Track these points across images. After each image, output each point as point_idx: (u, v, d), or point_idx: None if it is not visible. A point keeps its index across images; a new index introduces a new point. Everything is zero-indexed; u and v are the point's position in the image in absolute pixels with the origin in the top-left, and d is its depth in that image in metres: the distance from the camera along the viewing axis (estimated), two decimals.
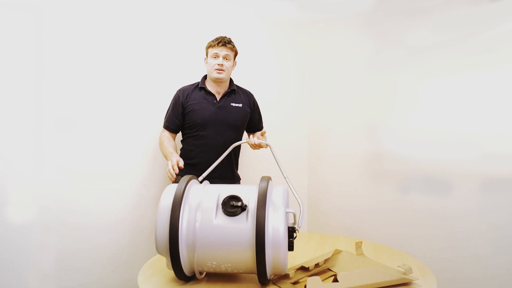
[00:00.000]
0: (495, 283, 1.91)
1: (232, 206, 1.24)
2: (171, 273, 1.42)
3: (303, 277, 1.32)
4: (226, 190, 1.30)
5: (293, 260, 1.52)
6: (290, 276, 1.31)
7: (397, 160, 2.28)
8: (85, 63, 1.98)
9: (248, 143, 1.88)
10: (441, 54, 2.07)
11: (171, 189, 1.30)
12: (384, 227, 2.34)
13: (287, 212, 1.25)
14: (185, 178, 1.33)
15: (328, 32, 2.64)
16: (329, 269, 1.41)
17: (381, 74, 2.35)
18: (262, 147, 1.89)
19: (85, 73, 1.98)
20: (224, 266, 1.25)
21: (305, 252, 1.61)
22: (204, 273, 1.38)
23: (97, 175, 2.03)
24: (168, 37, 2.24)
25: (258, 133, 2.10)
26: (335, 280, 1.24)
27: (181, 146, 2.11)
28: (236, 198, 1.24)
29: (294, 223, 1.29)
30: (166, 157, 1.94)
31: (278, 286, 1.29)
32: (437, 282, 1.32)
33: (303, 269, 1.38)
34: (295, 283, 1.30)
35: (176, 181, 1.79)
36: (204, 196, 1.29)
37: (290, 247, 1.31)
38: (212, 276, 1.37)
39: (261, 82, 2.56)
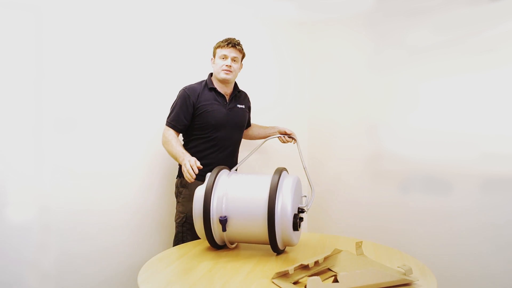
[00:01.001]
0: (494, 282, 1.91)
1: None
2: (171, 272, 1.42)
3: (303, 276, 1.32)
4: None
5: (293, 259, 1.52)
6: (290, 272, 1.32)
7: (397, 160, 2.28)
8: (85, 63, 1.97)
9: (280, 140, 2.11)
10: (441, 54, 2.07)
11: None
12: (384, 227, 2.35)
13: (302, 197, 1.65)
14: (217, 168, 1.65)
15: (328, 32, 2.64)
16: (329, 269, 1.42)
17: (381, 74, 2.35)
18: (289, 142, 2.11)
19: (85, 73, 1.97)
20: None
21: (305, 252, 1.61)
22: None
23: (98, 175, 2.02)
24: (168, 37, 2.24)
25: (281, 129, 2.11)
26: (336, 281, 1.24)
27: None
28: None
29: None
30: (176, 157, 1.86)
31: (279, 286, 1.29)
32: (437, 283, 1.32)
33: (303, 267, 1.38)
34: (295, 283, 1.30)
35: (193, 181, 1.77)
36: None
37: (295, 226, 1.51)
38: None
39: (261, 82, 2.56)
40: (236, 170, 1.89)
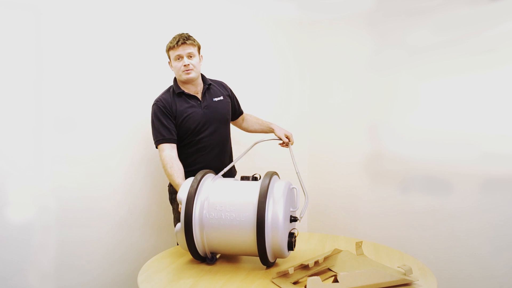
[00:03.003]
0: (494, 283, 1.91)
1: (247, 177, 1.56)
2: (171, 272, 1.42)
3: (303, 277, 1.32)
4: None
5: (293, 259, 1.52)
6: (290, 273, 1.32)
7: (397, 160, 2.28)
8: (85, 63, 1.97)
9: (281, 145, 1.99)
10: (441, 54, 2.07)
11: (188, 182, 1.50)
12: (384, 227, 2.35)
13: (291, 188, 1.46)
14: (201, 173, 1.51)
15: (328, 32, 2.64)
16: (329, 269, 1.42)
17: (381, 74, 2.35)
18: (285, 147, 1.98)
19: (85, 73, 1.97)
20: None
21: (305, 252, 1.61)
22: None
23: (97, 174, 2.02)
24: (168, 37, 2.24)
25: (278, 134, 1.99)
26: (335, 281, 1.24)
27: None
28: (250, 176, 1.58)
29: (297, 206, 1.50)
30: (175, 188, 1.78)
31: (278, 286, 1.29)
32: (437, 283, 1.32)
33: (303, 267, 1.38)
34: (295, 283, 1.30)
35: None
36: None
37: (290, 246, 1.40)
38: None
39: (261, 82, 2.56)
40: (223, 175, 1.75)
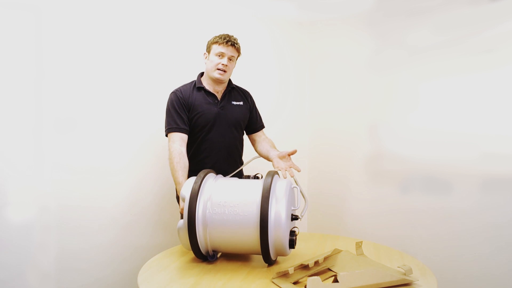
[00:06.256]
0: (495, 283, 1.91)
1: (248, 176, 1.63)
2: (171, 272, 1.42)
3: (303, 277, 1.32)
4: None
5: (293, 259, 1.52)
6: (290, 273, 1.32)
7: (397, 160, 2.28)
8: (85, 63, 1.98)
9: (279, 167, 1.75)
10: (441, 54, 2.07)
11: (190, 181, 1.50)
12: (384, 227, 2.35)
13: (292, 187, 1.47)
14: (203, 172, 1.51)
15: (328, 32, 2.64)
16: (329, 269, 1.42)
17: (381, 74, 2.35)
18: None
19: (85, 73, 1.98)
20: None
21: (305, 252, 1.61)
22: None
23: (97, 175, 2.02)
24: (167, 37, 2.24)
25: (283, 153, 1.80)
26: (335, 281, 1.24)
27: None
28: (252, 175, 1.64)
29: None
30: (175, 184, 1.79)
31: (279, 286, 1.29)
32: (437, 283, 1.32)
33: (303, 267, 1.38)
34: (295, 283, 1.30)
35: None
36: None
37: (291, 244, 1.41)
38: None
39: (261, 82, 2.56)
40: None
